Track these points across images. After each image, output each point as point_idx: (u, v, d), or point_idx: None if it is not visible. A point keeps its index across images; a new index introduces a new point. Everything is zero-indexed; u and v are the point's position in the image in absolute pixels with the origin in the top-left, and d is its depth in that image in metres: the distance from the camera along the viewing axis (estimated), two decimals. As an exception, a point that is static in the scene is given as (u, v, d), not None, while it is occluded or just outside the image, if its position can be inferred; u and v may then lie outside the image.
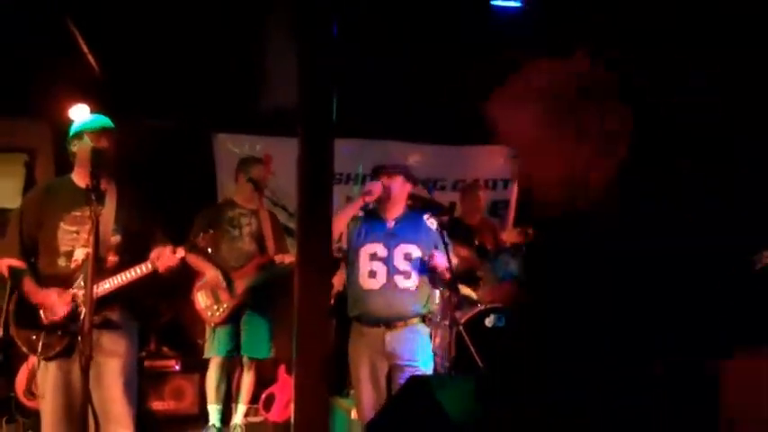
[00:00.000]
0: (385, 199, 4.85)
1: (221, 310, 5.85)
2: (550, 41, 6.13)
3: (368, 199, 4.82)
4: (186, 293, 5.97)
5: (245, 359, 6.01)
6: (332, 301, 5.35)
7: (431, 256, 4.76)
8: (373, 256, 4.81)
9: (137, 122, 6.00)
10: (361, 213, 4.92)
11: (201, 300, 5.91)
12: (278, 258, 5.99)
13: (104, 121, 4.23)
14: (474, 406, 3.64)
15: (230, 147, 7.39)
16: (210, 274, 5.82)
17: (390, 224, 4.89)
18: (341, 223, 4.82)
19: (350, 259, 4.89)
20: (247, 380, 6.04)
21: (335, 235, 4.76)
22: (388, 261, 4.79)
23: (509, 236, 6.89)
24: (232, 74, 6.45)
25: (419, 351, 4.78)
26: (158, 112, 6.83)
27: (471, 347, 4.77)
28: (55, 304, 4.04)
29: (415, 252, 4.81)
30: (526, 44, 6.12)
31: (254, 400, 6.30)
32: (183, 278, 5.72)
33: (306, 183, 3.81)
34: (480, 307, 5.95)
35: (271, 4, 5.27)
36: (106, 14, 5.71)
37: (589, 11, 5.56)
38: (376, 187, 4.82)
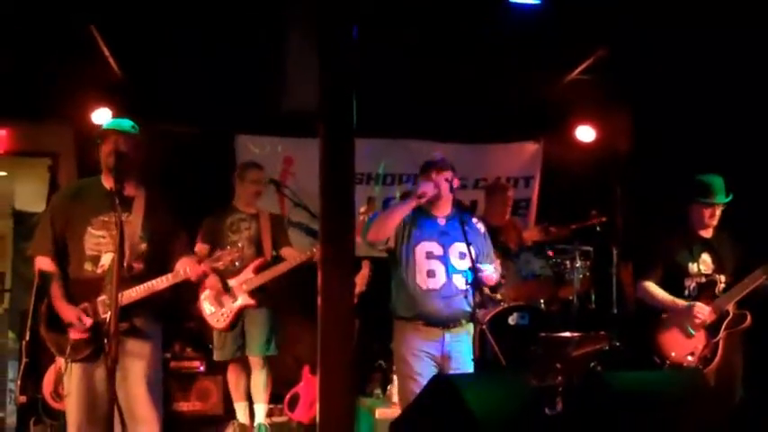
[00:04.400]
0: (436, 197, 4.66)
1: (225, 315, 5.91)
2: (568, 39, 6.12)
3: (422, 201, 4.63)
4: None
5: (252, 359, 6.01)
6: (355, 301, 5.34)
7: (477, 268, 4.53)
8: (430, 255, 4.62)
9: (158, 126, 6.03)
10: (408, 212, 4.72)
11: (207, 308, 5.98)
12: (283, 253, 6.04)
13: (124, 123, 4.21)
14: (499, 404, 3.65)
15: (251, 148, 7.39)
16: (210, 280, 5.80)
17: (442, 221, 4.71)
18: (391, 226, 4.63)
19: (402, 259, 4.65)
20: (261, 378, 6.01)
21: (385, 237, 4.62)
22: (444, 260, 4.61)
23: (531, 234, 6.86)
24: (253, 76, 6.47)
25: (470, 352, 4.59)
26: (180, 114, 6.86)
27: (495, 346, 4.74)
28: (74, 327, 4.03)
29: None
30: (544, 42, 6.12)
31: (278, 399, 6.33)
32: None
33: (328, 183, 3.81)
34: (504, 305, 5.95)
35: (291, 6, 5.29)
36: (128, 19, 5.75)
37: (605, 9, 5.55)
38: (429, 188, 4.61)
